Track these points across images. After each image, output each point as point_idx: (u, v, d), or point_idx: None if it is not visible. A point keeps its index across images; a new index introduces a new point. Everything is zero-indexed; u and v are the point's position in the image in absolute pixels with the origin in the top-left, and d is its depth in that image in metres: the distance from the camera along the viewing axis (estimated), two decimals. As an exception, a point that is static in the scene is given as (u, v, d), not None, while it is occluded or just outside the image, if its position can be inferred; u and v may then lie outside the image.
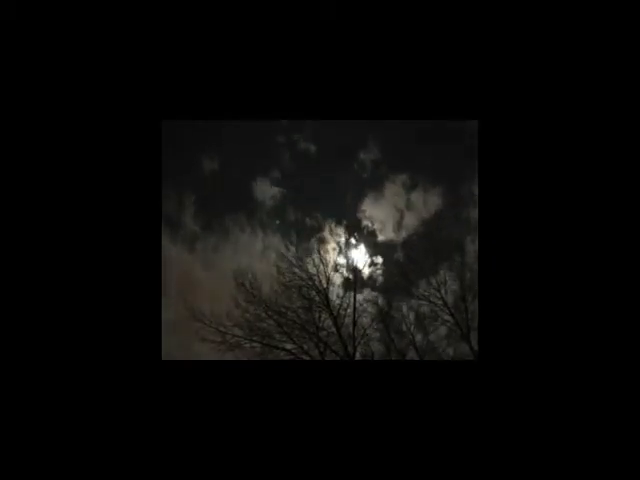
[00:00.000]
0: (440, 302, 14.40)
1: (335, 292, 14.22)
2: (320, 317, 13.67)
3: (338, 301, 13.83)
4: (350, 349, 12.93)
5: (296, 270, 14.15)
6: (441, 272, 14.49)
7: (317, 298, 13.86)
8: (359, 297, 14.23)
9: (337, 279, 14.73)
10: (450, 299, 14.26)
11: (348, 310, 13.71)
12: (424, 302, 14.55)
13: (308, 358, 12.79)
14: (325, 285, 13.99)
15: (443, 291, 14.44)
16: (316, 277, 14.08)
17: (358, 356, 13.19)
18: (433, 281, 14.60)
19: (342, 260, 15.35)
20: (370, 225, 17.43)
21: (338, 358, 12.72)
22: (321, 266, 14.18)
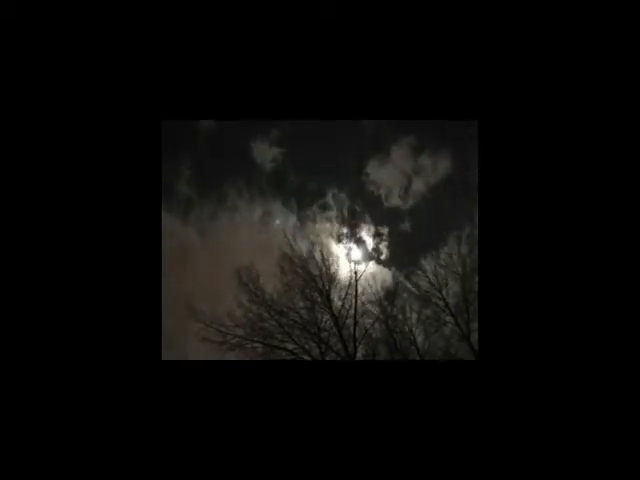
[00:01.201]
0: (442, 303, 14.41)
1: (338, 279, 14.22)
2: (322, 318, 13.71)
3: (340, 302, 13.87)
4: (351, 349, 12.94)
5: (299, 270, 14.20)
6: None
7: (319, 299, 13.89)
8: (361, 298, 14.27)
9: (340, 252, 14.71)
10: (452, 301, 14.26)
11: (350, 311, 13.74)
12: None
13: (309, 358, 12.81)
14: (327, 286, 14.02)
15: (444, 292, 14.46)
16: (318, 278, 14.10)
17: (359, 356, 13.19)
18: (434, 280, 14.62)
19: (345, 230, 15.38)
20: (375, 190, 16.99)
21: (339, 358, 12.73)
22: (323, 268, 14.20)
